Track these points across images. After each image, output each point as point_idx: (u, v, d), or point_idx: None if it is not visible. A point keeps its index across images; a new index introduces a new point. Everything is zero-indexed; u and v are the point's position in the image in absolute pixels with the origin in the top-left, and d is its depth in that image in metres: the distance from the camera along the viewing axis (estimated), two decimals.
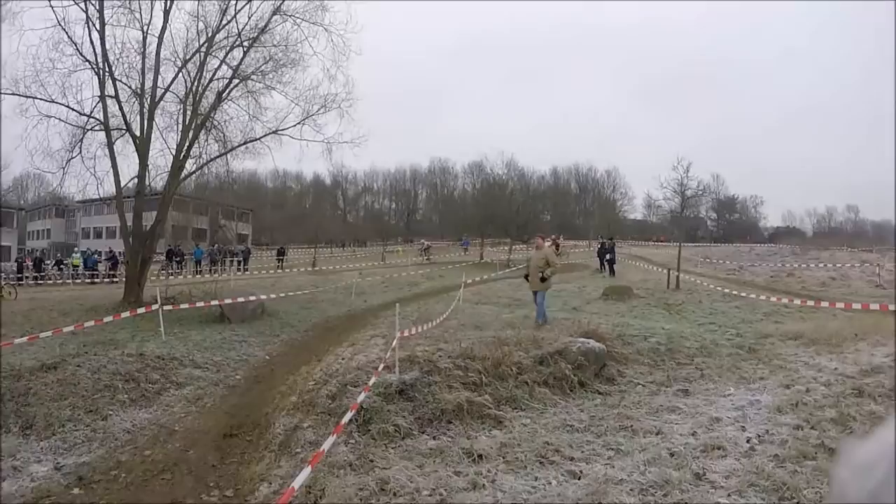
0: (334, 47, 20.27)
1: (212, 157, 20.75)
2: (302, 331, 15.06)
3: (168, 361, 10.85)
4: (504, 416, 7.68)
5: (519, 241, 42.31)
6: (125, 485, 6.47)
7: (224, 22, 19.81)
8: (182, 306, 15.06)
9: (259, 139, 20.99)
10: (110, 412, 8.69)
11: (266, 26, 20.03)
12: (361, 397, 6.94)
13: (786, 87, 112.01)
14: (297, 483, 4.67)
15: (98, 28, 18.52)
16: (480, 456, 6.34)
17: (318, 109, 20.81)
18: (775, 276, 29.02)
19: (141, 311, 13.57)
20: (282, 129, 20.92)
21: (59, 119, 18.77)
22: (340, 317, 17.36)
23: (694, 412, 7.75)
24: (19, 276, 33.00)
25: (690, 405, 8.07)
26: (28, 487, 6.46)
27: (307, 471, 4.91)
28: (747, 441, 6.48)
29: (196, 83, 19.84)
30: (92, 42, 18.61)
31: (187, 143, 19.67)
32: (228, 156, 20.99)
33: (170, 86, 19.84)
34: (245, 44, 20.04)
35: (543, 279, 13.14)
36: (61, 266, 37.67)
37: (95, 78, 18.85)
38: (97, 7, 18.43)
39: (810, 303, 15.24)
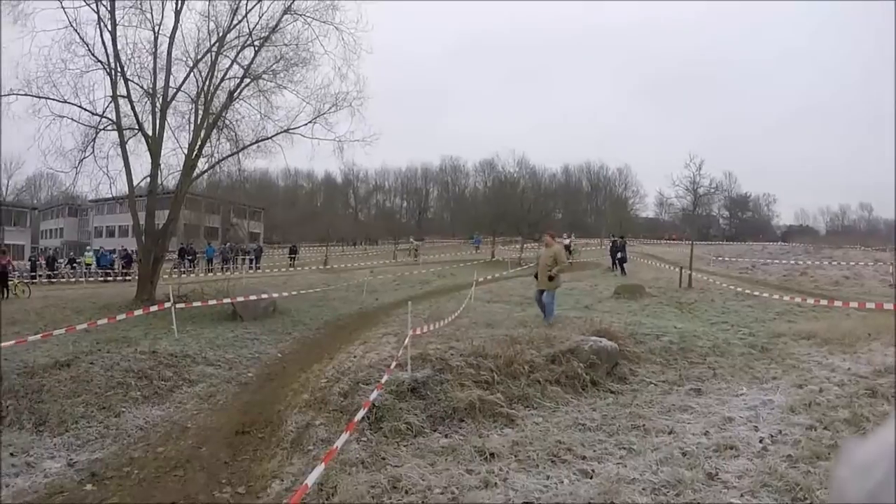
0: (345, 46, 20.32)
1: (224, 156, 20.88)
2: (314, 329, 15.10)
3: (181, 359, 10.94)
4: (516, 415, 7.67)
5: (530, 240, 42.16)
6: (138, 481, 6.52)
7: (235, 22, 19.92)
8: (195, 304, 15.11)
9: (270, 138, 21.10)
10: (123, 409, 8.76)
11: (277, 26, 20.10)
12: (374, 395, 6.97)
13: (788, 87, 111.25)
14: (311, 480, 4.70)
15: (110, 29, 18.67)
16: (492, 454, 6.34)
17: (330, 108, 20.88)
18: (788, 275, 28.76)
19: (154, 309, 13.68)
20: (293, 128, 21.00)
21: (72, 119, 18.93)
22: (352, 315, 17.38)
23: (706, 412, 7.72)
24: (33, 274, 33.34)
25: (703, 405, 8.04)
26: (41, 483, 6.53)
27: (320, 468, 4.94)
28: (760, 441, 6.45)
29: (208, 83, 19.95)
30: (104, 42, 18.78)
31: (199, 143, 19.80)
32: (240, 155, 21.12)
33: (181, 85, 19.99)
34: (256, 43, 20.12)
35: (552, 278, 13.11)
36: (74, 264, 37.96)
37: (107, 78, 19.01)
38: (108, 8, 18.58)
39: (823, 302, 15.11)
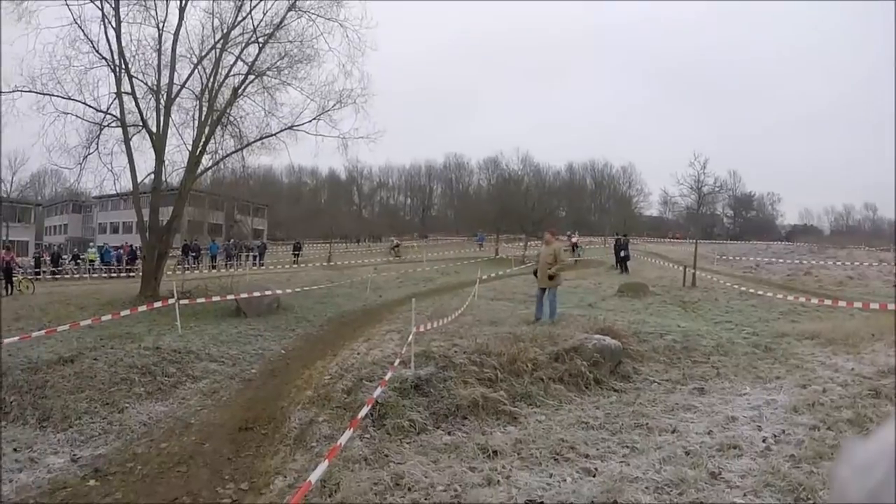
0: (349, 43, 20.29)
1: (228, 152, 20.87)
2: (317, 325, 15.08)
3: (184, 355, 10.94)
4: (519, 413, 7.70)
5: (534, 237, 42.13)
6: (141, 477, 6.53)
7: (239, 18, 19.92)
8: (198, 301, 15.12)
9: (275, 135, 21.11)
10: (127, 405, 8.78)
11: (281, 22, 20.09)
12: (377, 392, 6.99)
13: (793, 86, 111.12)
14: (314, 477, 4.70)
15: (114, 26, 18.65)
16: (495, 452, 6.36)
17: (334, 105, 20.85)
18: (792, 275, 28.68)
19: (157, 305, 13.69)
20: (297, 125, 21.02)
21: (76, 116, 18.91)
22: (356, 312, 17.36)
23: (710, 411, 7.72)
24: (37, 270, 33.34)
25: (706, 404, 8.05)
26: (45, 479, 6.55)
27: (324, 465, 4.95)
28: (763, 441, 6.45)
29: (212, 79, 19.99)
30: (108, 39, 18.77)
31: (203, 140, 19.83)
32: (244, 151, 21.10)
33: (186, 82, 20.01)
34: (260, 40, 20.12)
35: (552, 276, 13.11)
36: (78, 261, 38.03)
37: (112, 75, 18.99)
38: (113, 5, 18.56)
39: (827, 302, 15.05)
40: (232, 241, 43.85)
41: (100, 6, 18.40)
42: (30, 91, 18.02)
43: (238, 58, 20.22)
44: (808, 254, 41.03)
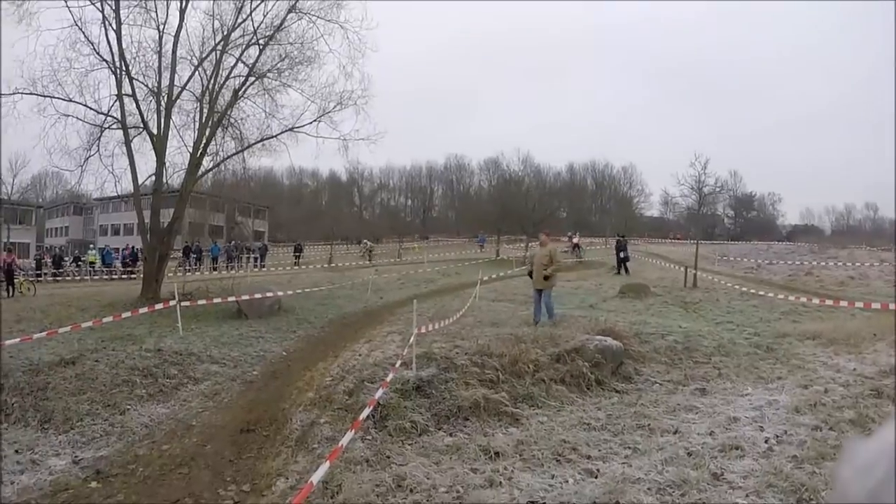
0: (350, 44, 20.33)
1: (228, 154, 20.92)
2: (319, 327, 15.05)
3: (185, 357, 10.96)
4: (521, 414, 7.68)
5: (535, 238, 42.02)
6: (142, 479, 6.53)
7: (239, 20, 19.96)
8: (199, 302, 15.14)
9: (275, 136, 21.13)
10: (128, 407, 8.79)
11: (282, 24, 20.15)
12: (379, 393, 6.99)
13: (793, 86, 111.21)
14: (316, 478, 4.71)
15: (115, 28, 18.71)
16: (497, 453, 6.35)
17: (335, 107, 20.88)
18: (793, 275, 28.67)
19: (158, 307, 13.70)
20: (298, 127, 21.05)
21: (77, 118, 18.95)
22: (357, 313, 17.36)
23: (712, 411, 7.72)
24: (38, 272, 33.33)
25: (708, 404, 8.04)
26: (46, 480, 6.55)
27: (325, 466, 4.96)
28: (765, 441, 6.45)
29: (212, 81, 20.03)
30: (108, 42, 18.82)
31: (204, 141, 19.86)
32: (245, 153, 21.13)
33: (186, 84, 20.05)
34: (261, 42, 20.16)
35: (547, 277, 13.09)
36: (79, 263, 38.08)
37: (112, 77, 19.03)
38: (113, 7, 18.62)
39: (829, 302, 15.04)
40: (233, 242, 43.86)
41: (100, 8, 18.46)
42: (30, 93, 18.08)
43: (239, 59, 20.27)
44: (809, 254, 40.98)
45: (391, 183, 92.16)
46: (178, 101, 20.02)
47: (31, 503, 6.06)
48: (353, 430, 5.89)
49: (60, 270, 35.49)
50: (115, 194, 24.68)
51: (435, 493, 5.52)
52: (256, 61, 20.29)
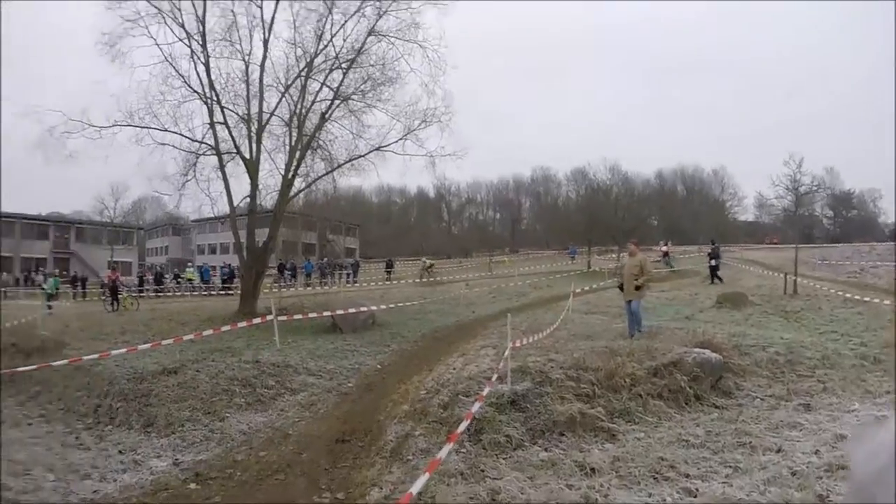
0: (430, 63, 20.70)
1: (319, 175, 21.77)
2: (412, 341, 15.19)
3: (283, 368, 11.31)
4: (617, 430, 7.45)
5: (625, 249, 40.89)
6: (240, 483, 6.75)
7: (321, 47, 20.78)
8: (295, 317, 15.44)
9: (363, 156, 21.80)
10: (227, 414, 9.18)
11: (362, 48, 20.80)
12: (476, 407, 6.90)
13: None
14: (415, 489, 4.69)
15: (203, 61, 20.00)
16: (593, 469, 6.17)
17: (419, 125, 21.34)
18: None
19: (256, 321, 14.14)
20: (384, 146, 21.62)
21: (173, 146, 20.32)
22: (449, 327, 17.43)
23: (817, 428, 7.28)
24: (140, 288, 35.63)
25: (812, 421, 7.61)
26: (147, 480, 6.91)
27: (424, 477, 4.93)
28: None
29: (299, 106, 20.89)
30: (198, 74, 20.10)
31: (294, 163, 20.75)
32: (335, 173, 21.96)
33: (274, 110, 21.06)
34: (343, 66, 20.88)
35: (638, 287, 12.78)
36: (178, 280, 39.80)
37: (204, 107, 20.28)
38: (200, 42, 19.87)
39: None
40: (325, 259, 44.80)
41: (188, 44, 19.82)
42: (128, 125, 19.51)
43: (323, 84, 21.08)
44: None
45: (479, 197, 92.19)
46: (268, 126, 21.02)
47: (133, 500, 6.35)
48: (451, 443, 5.82)
49: (161, 287, 37.78)
50: (212, 215, 25.88)
51: None
52: (340, 84, 21.02)
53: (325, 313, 16.16)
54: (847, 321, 15.05)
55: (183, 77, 19.98)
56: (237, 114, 20.68)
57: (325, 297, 23.19)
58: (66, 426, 9.27)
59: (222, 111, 20.32)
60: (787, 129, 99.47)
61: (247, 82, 20.58)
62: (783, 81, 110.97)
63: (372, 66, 21.11)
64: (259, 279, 21.31)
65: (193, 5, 19.59)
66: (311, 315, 15.79)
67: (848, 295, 18.52)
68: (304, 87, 20.86)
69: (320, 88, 21.09)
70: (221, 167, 20.38)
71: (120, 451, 7.95)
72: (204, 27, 19.80)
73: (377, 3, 20.56)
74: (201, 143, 20.43)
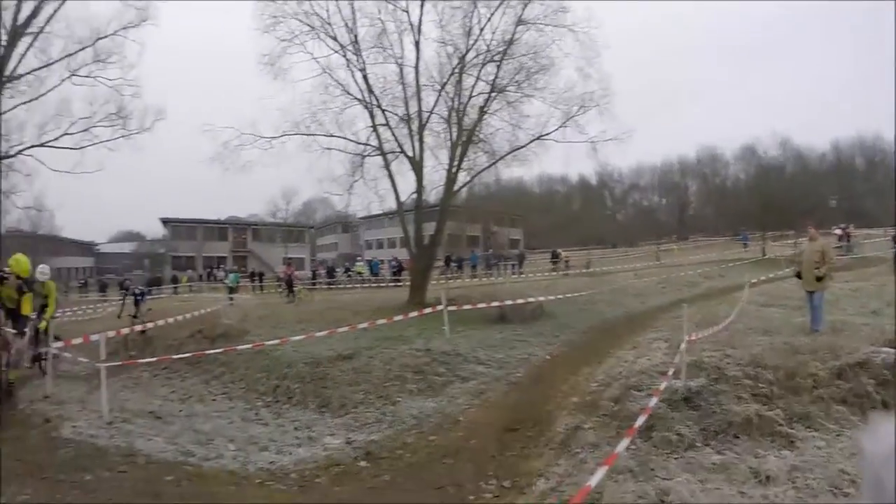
0: (581, 46, 20.45)
1: (481, 168, 22.17)
2: (581, 332, 15.17)
3: (453, 357, 11.85)
4: (795, 436, 6.82)
5: (803, 234, 37.33)
6: (409, 464, 7.25)
7: (471, 42, 21.15)
8: (464, 307, 15.81)
9: (523, 147, 21.90)
10: (399, 399, 9.88)
11: (512, 38, 20.90)
12: (653, 402, 6.77)
13: None
14: (594, 481, 4.70)
15: (360, 68, 21.20)
16: (768, 478, 5.79)
17: (577, 110, 21.08)
18: None
19: (427, 311, 14.81)
20: (545, 135, 21.60)
21: (339, 150, 21.85)
22: (618, 318, 17.20)
23: None
24: (313, 282, 39.01)
25: None
26: (321, 455, 7.69)
27: (601, 471, 4.93)
28: None
29: (456, 101, 21.49)
30: (356, 81, 21.38)
31: (457, 159, 21.35)
32: (497, 165, 22.26)
33: (433, 108, 21.78)
34: (496, 58, 21.11)
35: (820, 278, 11.58)
36: (349, 273, 41.94)
37: (366, 111, 21.54)
38: (353, 52, 21.11)
39: None
40: (490, 251, 45.27)
41: (343, 55, 21.17)
42: (295, 134, 21.26)
43: (477, 78, 21.48)
44: None
45: (642, 182, 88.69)
46: (428, 124, 21.83)
47: (306, 472, 7.04)
48: (628, 438, 5.80)
49: (333, 280, 40.16)
50: (379, 212, 27.10)
51: None
52: (496, 77, 21.26)
53: (494, 303, 16.42)
54: None
55: (342, 86, 21.39)
56: (397, 115, 21.63)
57: (492, 288, 23.41)
58: (246, 403, 10.54)
59: (383, 113, 21.48)
60: None
61: (403, 84, 21.48)
62: None
63: (524, 55, 21.15)
64: (428, 271, 22.36)
65: (342, 18, 20.89)
66: (480, 305, 16.10)
67: None
68: (459, 83, 21.37)
69: (475, 83, 21.51)
70: (387, 166, 21.51)
71: (296, 428, 8.84)
72: (356, 37, 21.02)
73: None
74: (366, 145, 21.75)
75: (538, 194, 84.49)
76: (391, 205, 22.74)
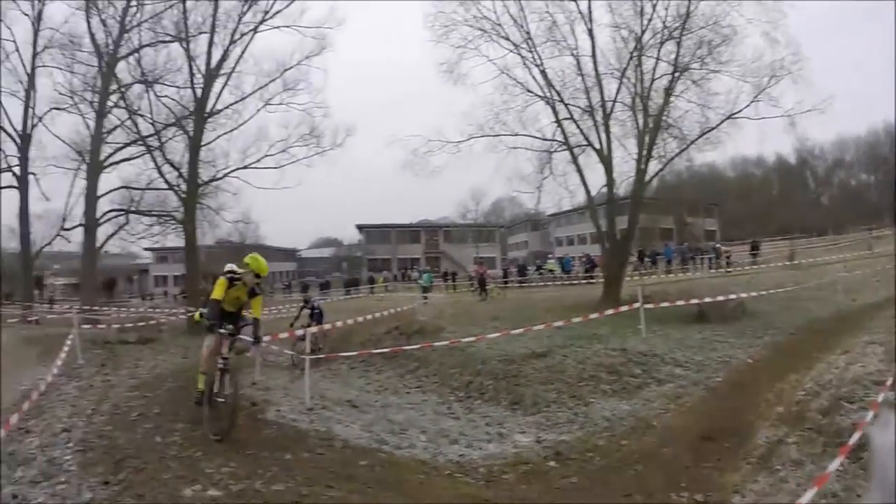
0: (764, 8, 19.11)
1: (673, 154, 21.23)
2: (786, 333, 13.94)
3: (649, 358, 11.45)
4: None
5: None
6: (598, 467, 7.08)
7: (645, 22, 20.43)
8: (661, 305, 15.12)
9: (715, 128, 20.71)
10: (592, 400, 9.73)
11: (688, 11, 19.91)
12: (868, 416, 5.90)
13: None
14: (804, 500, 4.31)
15: (537, 64, 21.12)
16: None
17: (769, 81, 19.52)
18: None
19: (623, 309, 14.37)
20: (736, 113, 20.28)
21: (525, 148, 21.98)
22: (827, 318, 15.44)
23: None
24: (504, 280, 39.60)
25: None
26: (510, 452, 7.76)
27: (812, 492, 4.49)
28: None
29: (639, 87, 20.76)
30: (534, 78, 21.33)
31: (646, 146, 20.58)
32: (689, 150, 21.28)
33: (616, 96, 21.18)
34: (674, 34, 20.15)
35: None
36: (540, 271, 41.93)
37: (548, 107, 21.44)
38: (528, 49, 21.06)
39: None
40: (685, 244, 43.64)
41: (518, 53, 21.24)
42: (481, 136, 21.83)
43: (658, 59, 20.63)
44: None
45: (846, 157, 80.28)
46: (613, 113, 21.21)
47: (495, 468, 7.15)
48: (841, 456, 5.18)
49: (524, 278, 40.13)
50: (568, 208, 27.20)
51: None
52: (677, 55, 20.28)
53: (692, 301, 15.58)
54: None
55: (521, 84, 21.51)
56: (580, 107, 21.31)
57: (689, 283, 22.53)
58: (439, 397, 11.01)
59: (566, 107, 21.23)
60: None
61: (582, 75, 21.15)
62: None
63: (703, 28, 20.08)
64: (622, 267, 21.72)
65: (511, 17, 21.00)
66: (678, 303, 15.40)
67: None
68: (639, 66, 20.72)
69: (656, 64, 20.70)
70: (574, 160, 21.28)
71: (486, 424, 9.07)
72: (528, 34, 21.01)
73: None
74: (552, 140, 21.60)
75: (733, 179, 79.23)
76: (581, 200, 22.79)
